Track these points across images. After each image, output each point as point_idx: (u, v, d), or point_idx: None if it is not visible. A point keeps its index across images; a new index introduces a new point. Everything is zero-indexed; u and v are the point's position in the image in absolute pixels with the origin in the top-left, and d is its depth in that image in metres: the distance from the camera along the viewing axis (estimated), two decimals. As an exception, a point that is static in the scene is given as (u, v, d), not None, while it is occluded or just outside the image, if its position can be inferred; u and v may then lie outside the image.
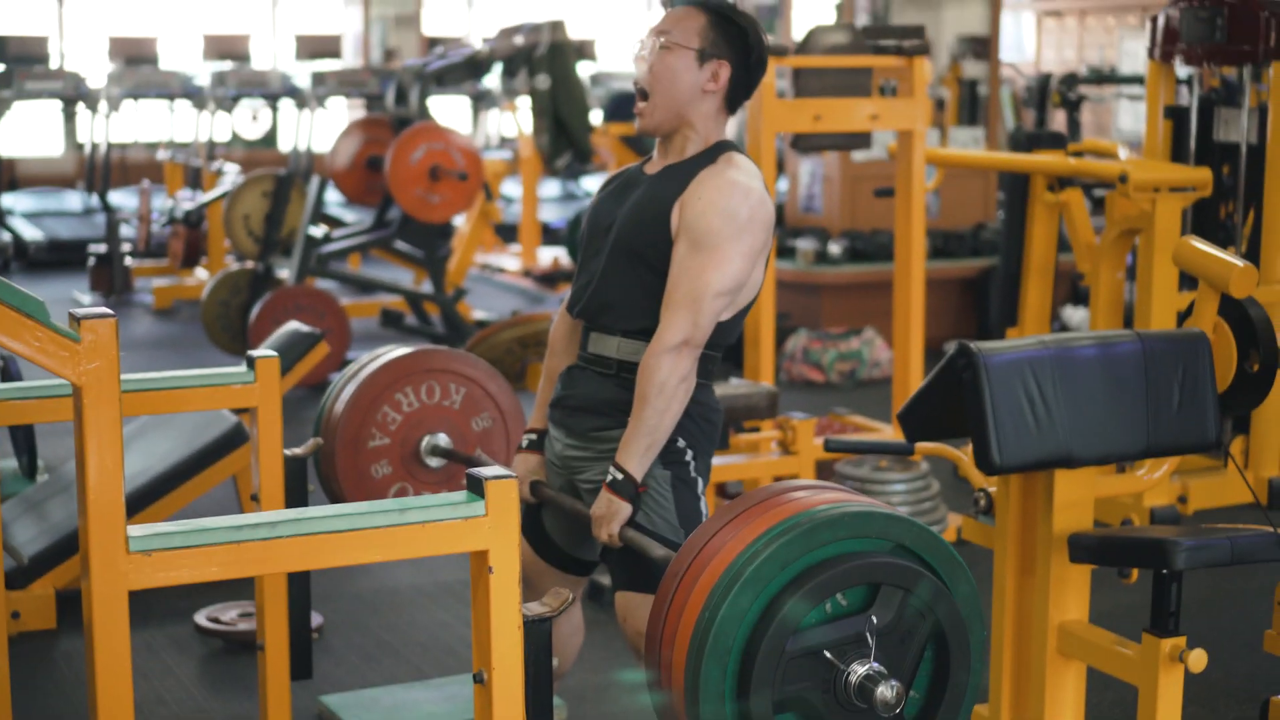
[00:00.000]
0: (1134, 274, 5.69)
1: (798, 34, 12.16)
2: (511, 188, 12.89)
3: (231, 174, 9.62)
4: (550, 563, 3.23)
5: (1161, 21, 5.68)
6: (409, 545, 2.40)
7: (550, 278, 10.52)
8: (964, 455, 4.72)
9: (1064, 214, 6.03)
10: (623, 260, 3.02)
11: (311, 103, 9.41)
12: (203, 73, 11.92)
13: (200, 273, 10.18)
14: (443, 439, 3.53)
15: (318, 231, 7.99)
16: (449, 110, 14.36)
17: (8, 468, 5.62)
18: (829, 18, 13.99)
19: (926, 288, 5.82)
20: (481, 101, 13.45)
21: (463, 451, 3.57)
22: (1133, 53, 12.40)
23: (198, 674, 4.31)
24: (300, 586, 3.47)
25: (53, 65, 12.92)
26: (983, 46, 12.25)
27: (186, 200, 10.14)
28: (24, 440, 5.40)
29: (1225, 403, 3.30)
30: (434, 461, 3.56)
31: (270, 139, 14.31)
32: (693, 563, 2.49)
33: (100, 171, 12.28)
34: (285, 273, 8.18)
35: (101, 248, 10.12)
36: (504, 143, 14.52)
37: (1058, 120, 10.65)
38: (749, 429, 5.44)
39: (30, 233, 11.75)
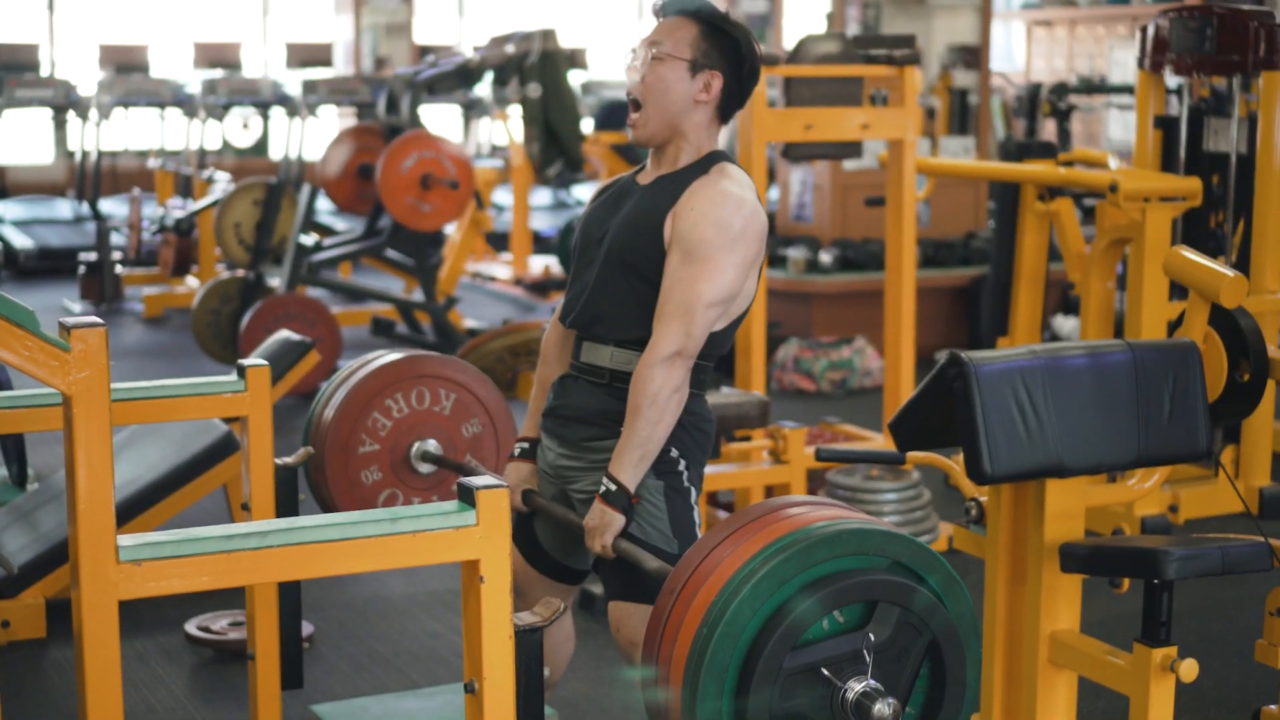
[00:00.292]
0: (1124, 283, 5.69)
1: (789, 43, 12.19)
2: (503, 196, 12.89)
3: (222, 182, 9.61)
4: (542, 571, 3.23)
5: (1151, 31, 5.69)
6: (400, 555, 2.39)
7: (541, 286, 10.52)
8: (955, 464, 4.72)
9: (1054, 223, 6.05)
10: (615, 271, 3.02)
11: (302, 111, 9.41)
12: (194, 81, 11.93)
13: (191, 281, 10.17)
14: (433, 445, 3.53)
15: (308, 240, 7.99)
16: (440, 118, 14.37)
17: (-3, 476, 5.61)
18: (820, 27, 14.02)
19: (917, 297, 5.82)
20: (473, 110, 13.46)
21: (453, 458, 3.57)
22: (1122, 62, 12.44)
23: (188, 683, 4.31)
24: (291, 595, 3.47)
25: (43, 73, 12.92)
26: (973, 56, 12.28)
27: (177, 208, 10.13)
28: (14, 449, 5.40)
29: (1216, 412, 3.30)
30: (424, 467, 3.56)
31: (261, 147, 14.30)
32: (690, 578, 2.49)
33: (91, 179, 12.27)
34: (276, 281, 8.17)
35: (92, 256, 10.12)
36: (495, 151, 14.53)
37: (1048, 130, 10.68)
38: (740, 438, 5.44)
39: (21, 241, 11.73)
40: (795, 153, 5.60)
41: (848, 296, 8.47)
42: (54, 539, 4.68)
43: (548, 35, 7.98)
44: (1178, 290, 5.59)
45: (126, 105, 11.59)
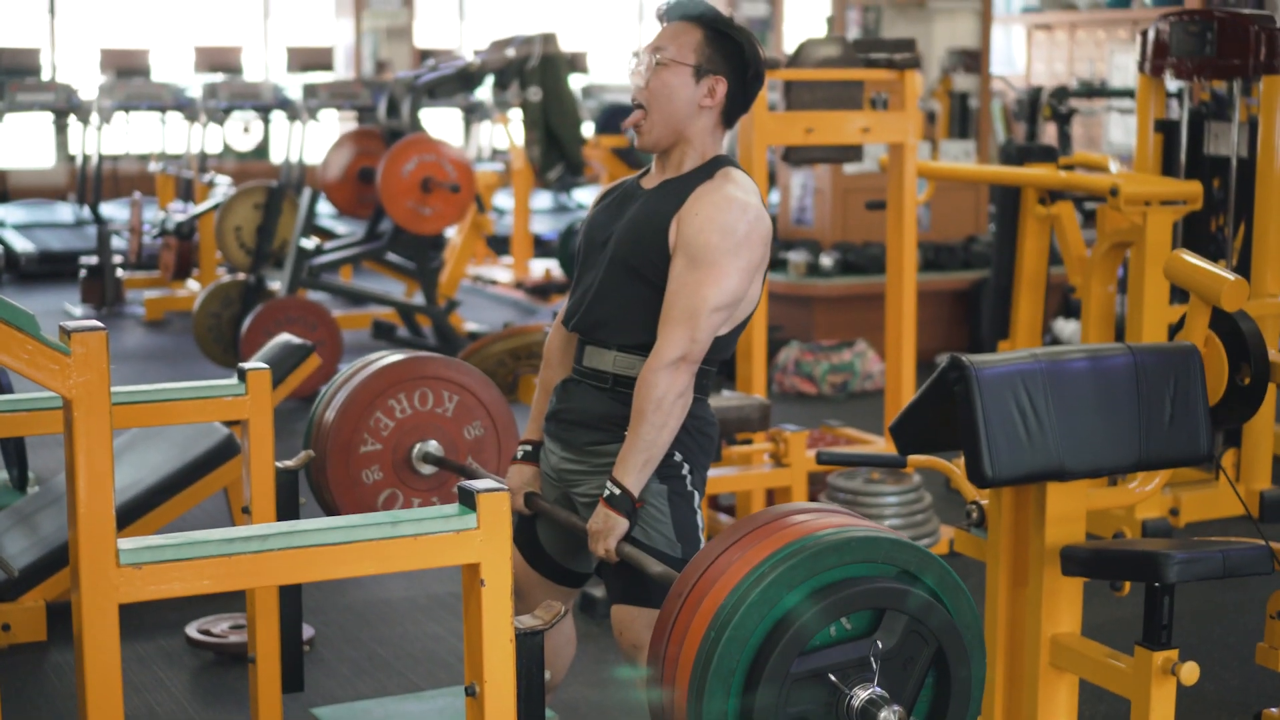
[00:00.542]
0: (1125, 287, 5.69)
1: (789, 47, 12.19)
2: (503, 200, 12.89)
3: (223, 186, 9.61)
4: (543, 574, 3.23)
5: (1152, 35, 5.70)
6: (401, 558, 2.39)
7: (542, 290, 10.52)
8: (956, 468, 4.72)
9: (1055, 227, 6.05)
10: (619, 275, 3.02)
11: (303, 115, 9.41)
12: (194, 85, 11.93)
13: (192, 284, 10.17)
14: (434, 446, 3.54)
15: (309, 243, 7.99)
16: (441, 122, 14.38)
17: (-2, 480, 5.62)
18: (820, 31, 14.03)
19: (918, 300, 5.82)
20: (473, 114, 13.47)
21: (454, 460, 3.57)
22: (1123, 66, 12.44)
23: (189, 686, 4.30)
24: (291, 599, 3.47)
25: (44, 77, 12.93)
26: (973, 60, 12.29)
27: (178, 212, 10.13)
28: (15, 452, 5.40)
29: (1216, 416, 3.30)
30: (425, 469, 3.56)
31: (262, 151, 14.31)
32: (698, 582, 2.48)
33: (92, 183, 12.27)
34: (277, 285, 8.17)
35: (93, 260, 10.12)
36: (496, 155, 14.53)
37: (1048, 133, 10.68)
38: (741, 441, 5.44)
39: (21, 244, 11.74)
40: (796, 156, 5.60)
41: (849, 300, 8.47)
42: (54, 542, 4.68)
43: (548, 39, 7.98)
44: (1178, 294, 5.60)
45: (127, 109, 11.60)
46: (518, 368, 7.15)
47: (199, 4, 15.75)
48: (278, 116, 11.37)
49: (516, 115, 10.37)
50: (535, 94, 7.91)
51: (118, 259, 10.26)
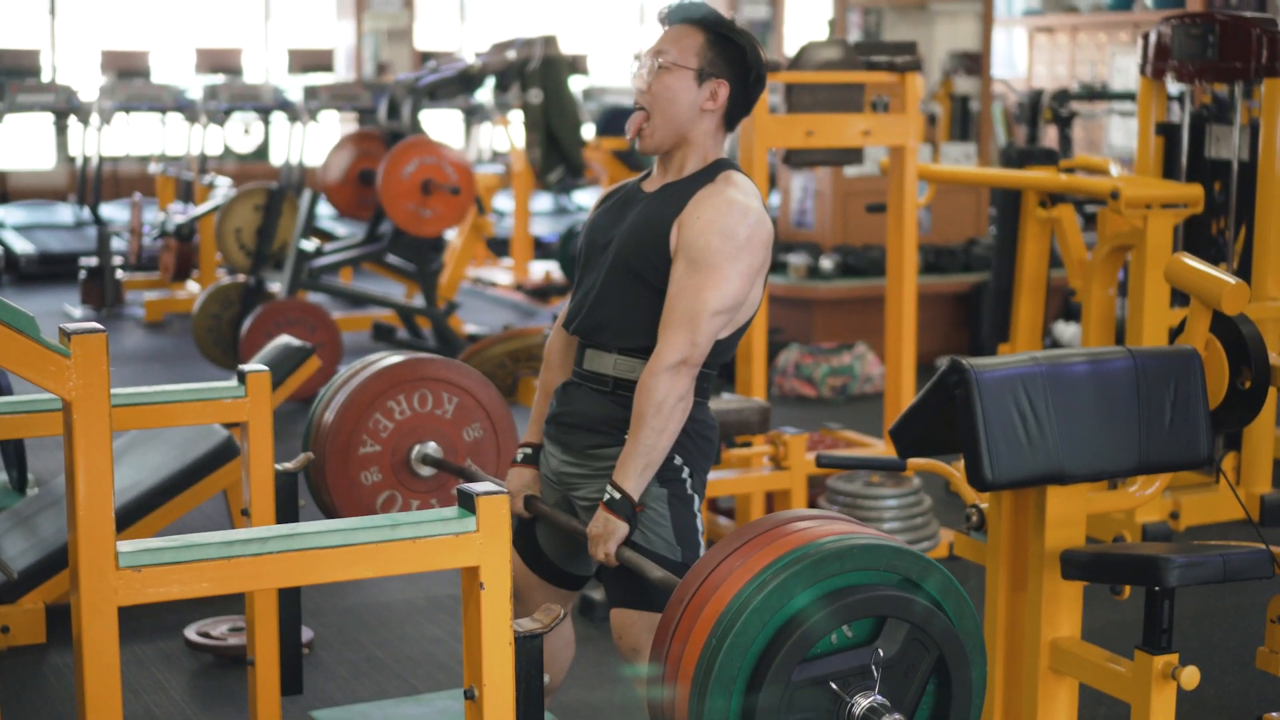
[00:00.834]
0: (1125, 290, 5.69)
1: (790, 49, 12.19)
2: (504, 202, 12.89)
3: (223, 187, 9.61)
4: (542, 576, 3.23)
5: (1153, 38, 5.69)
6: (400, 561, 2.39)
7: (542, 292, 10.52)
8: (956, 471, 4.72)
9: (1056, 230, 6.04)
10: (620, 278, 3.02)
11: (303, 116, 9.41)
12: (195, 86, 11.93)
13: (191, 286, 10.17)
14: (433, 448, 3.53)
15: (309, 245, 7.99)
16: (441, 124, 14.38)
17: (-3, 481, 5.61)
18: (821, 34, 14.03)
19: (918, 303, 5.82)
20: (474, 116, 13.46)
21: (453, 461, 3.56)
22: (1124, 69, 12.44)
23: (188, 689, 4.30)
24: (291, 601, 3.47)
25: (45, 78, 12.93)
26: (974, 62, 12.29)
27: (178, 213, 10.13)
28: (14, 454, 5.40)
29: (1217, 419, 3.30)
30: (424, 470, 3.56)
31: (262, 152, 14.31)
32: (700, 588, 2.48)
33: (92, 184, 12.27)
34: (277, 286, 8.17)
35: (93, 261, 10.12)
36: (496, 157, 14.53)
37: (1049, 136, 10.68)
38: (741, 444, 5.44)
39: (21, 246, 11.74)
40: (796, 159, 5.60)
41: (849, 303, 8.47)
42: (54, 544, 4.67)
43: (549, 41, 7.98)
44: (1179, 297, 5.59)
45: (128, 110, 11.60)
46: (517, 370, 7.14)
47: (199, 5, 15.75)
48: (278, 118, 11.37)
49: (517, 117, 10.37)
50: (536, 96, 7.91)
51: (118, 260, 10.26)
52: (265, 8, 15.46)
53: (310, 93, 9.85)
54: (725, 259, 2.91)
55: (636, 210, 3.06)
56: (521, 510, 3.18)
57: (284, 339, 5.16)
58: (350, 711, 4.01)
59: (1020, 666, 3.19)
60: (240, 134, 13.39)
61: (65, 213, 12.94)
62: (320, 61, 14.63)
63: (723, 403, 5.01)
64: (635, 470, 2.92)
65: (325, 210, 11.20)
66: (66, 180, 14.02)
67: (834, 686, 2.40)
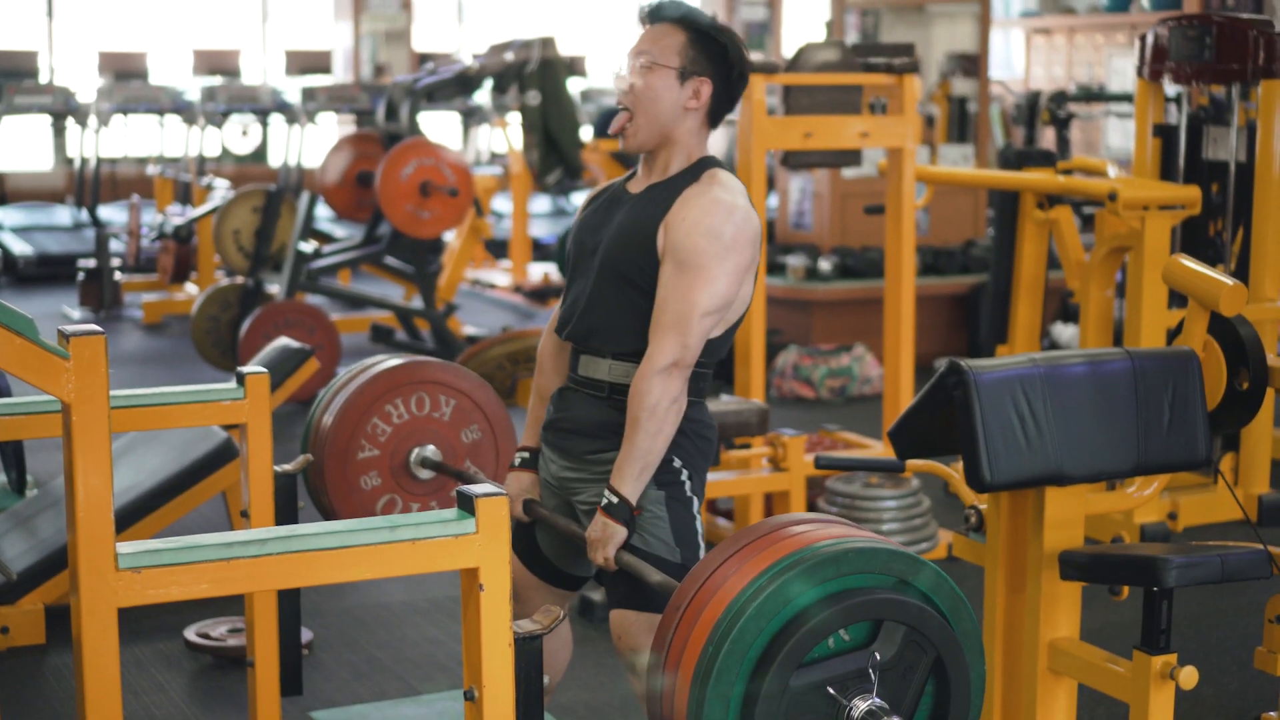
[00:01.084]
0: (1123, 291, 5.70)
1: (788, 51, 12.19)
2: (502, 203, 12.90)
3: (221, 189, 9.61)
4: (540, 577, 3.23)
5: (1150, 40, 5.70)
6: (400, 562, 2.39)
7: (541, 293, 10.52)
8: (955, 472, 4.73)
9: (1054, 231, 6.05)
10: (610, 283, 3.02)
11: (302, 118, 9.42)
12: (193, 88, 11.92)
13: (190, 288, 10.17)
14: (432, 451, 3.53)
15: (308, 247, 7.99)
16: (439, 126, 14.38)
17: (-4, 483, 5.61)
18: (819, 35, 14.03)
19: (917, 304, 5.82)
20: (472, 117, 13.46)
21: (452, 464, 3.56)
22: (1121, 71, 12.45)
23: (187, 690, 4.30)
24: (290, 602, 3.47)
25: (42, 80, 12.93)
26: (972, 64, 12.29)
27: (176, 215, 10.13)
28: (13, 455, 5.40)
29: (1215, 420, 3.30)
30: (423, 474, 3.56)
31: (260, 154, 14.31)
32: (696, 594, 2.48)
33: (90, 186, 12.27)
34: (275, 288, 8.18)
35: (91, 263, 10.11)
36: (494, 158, 14.53)
37: (1047, 138, 10.68)
38: (740, 445, 5.44)
39: (19, 247, 11.73)
40: (794, 161, 5.60)
41: (847, 304, 8.47)
42: (53, 545, 4.67)
43: (547, 43, 7.98)
44: (1177, 298, 5.60)
45: (126, 112, 11.60)
46: (516, 371, 7.15)
47: (197, 7, 15.75)
48: (276, 120, 11.37)
49: (515, 119, 10.37)
50: (534, 98, 7.91)
51: (116, 262, 10.26)
52: (263, 9, 15.46)
53: (308, 94, 9.85)
54: (713, 259, 2.91)
55: (622, 213, 3.06)
56: (520, 514, 3.18)
57: (282, 341, 5.16)
58: (350, 712, 4.01)
59: (1019, 667, 3.19)
60: (238, 136, 13.39)
61: (63, 214, 12.94)
62: (318, 63, 14.63)
63: (721, 404, 5.02)
64: (632, 474, 2.93)
65: (323, 212, 11.20)
66: (65, 182, 14.01)
67: (832, 691, 2.40)
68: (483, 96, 11.42)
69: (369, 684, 4.34)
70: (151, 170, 11.46)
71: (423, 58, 14.39)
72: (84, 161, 12.34)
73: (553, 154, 8.06)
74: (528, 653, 2.47)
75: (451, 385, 3.55)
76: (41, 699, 4.23)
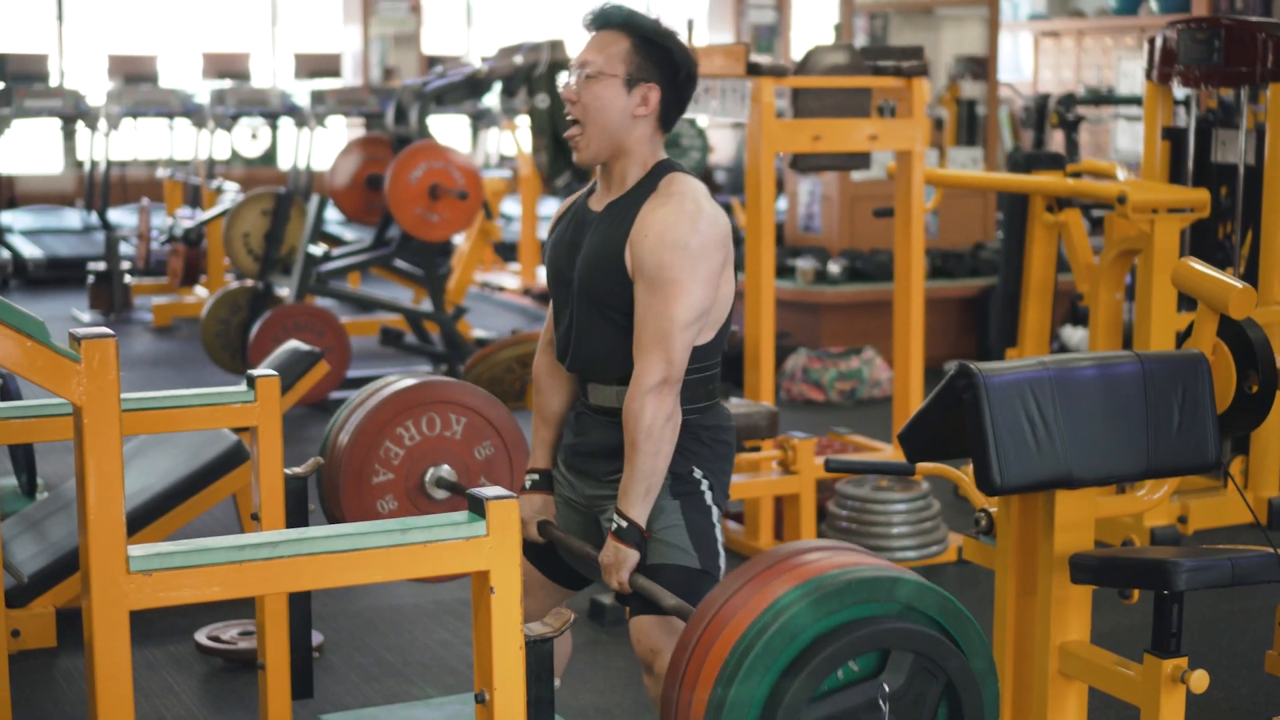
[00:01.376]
0: (1133, 294, 5.69)
1: (796, 54, 12.18)
2: (511, 206, 12.91)
3: (231, 192, 9.63)
4: (548, 575, 3.24)
5: (1159, 43, 5.70)
6: (410, 565, 2.40)
7: (549, 296, 10.51)
8: (965, 475, 4.73)
9: (1063, 234, 6.04)
10: (592, 312, 3.02)
11: (311, 121, 9.43)
12: (202, 91, 11.94)
13: (200, 291, 10.19)
14: (446, 470, 3.52)
15: (317, 250, 8.00)
16: (448, 129, 14.38)
17: (7, 486, 5.62)
18: (828, 38, 14.03)
19: (926, 307, 5.82)
20: (481, 120, 13.46)
21: (466, 481, 3.56)
22: (1130, 73, 12.44)
23: (198, 692, 4.31)
24: (301, 605, 3.47)
25: (52, 83, 12.94)
26: (981, 67, 12.28)
27: (186, 218, 10.15)
28: (23, 459, 5.41)
29: (1225, 424, 3.30)
30: (439, 494, 3.55)
31: (270, 157, 14.32)
32: (702, 635, 2.47)
33: (100, 189, 12.29)
34: (285, 291, 8.19)
35: (101, 266, 10.13)
36: (503, 161, 14.55)
37: (1056, 140, 10.67)
38: (749, 448, 5.44)
39: (29, 250, 11.76)
40: (803, 164, 5.60)
41: (856, 307, 8.47)
42: (64, 548, 4.68)
43: (556, 46, 7.98)
44: (1186, 301, 5.59)
45: (135, 115, 11.61)
46: (525, 374, 7.15)
47: (207, 10, 15.78)
48: (286, 123, 11.38)
49: (524, 122, 10.37)
50: (543, 101, 7.91)
51: (126, 265, 10.27)
52: (272, 13, 15.48)
53: (317, 98, 9.86)
54: (683, 271, 2.88)
55: (588, 237, 3.03)
56: (535, 536, 3.19)
57: (292, 344, 5.17)
58: (360, 715, 4.01)
59: (1029, 670, 3.19)
60: (248, 139, 13.42)
61: (73, 218, 12.96)
62: (327, 66, 14.64)
63: (731, 407, 5.02)
64: (638, 496, 2.93)
65: (333, 215, 11.21)
66: (74, 185, 14.04)
67: None
68: (492, 99, 11.40)
69: (379, 687, 4.34)
70: (161, 173, 11.47)
71: (432, 61, 14.39)
72: (94, 165, 12.36)
73: (561, 157, 8.06)
74: (538, 656, 2.48)
75: (461, 403, 3.54)
76: (52, 702, 4.24)
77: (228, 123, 11.13)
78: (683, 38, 3.06)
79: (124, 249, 11.07)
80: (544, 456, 3.24)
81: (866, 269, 8.56)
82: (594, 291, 3.00)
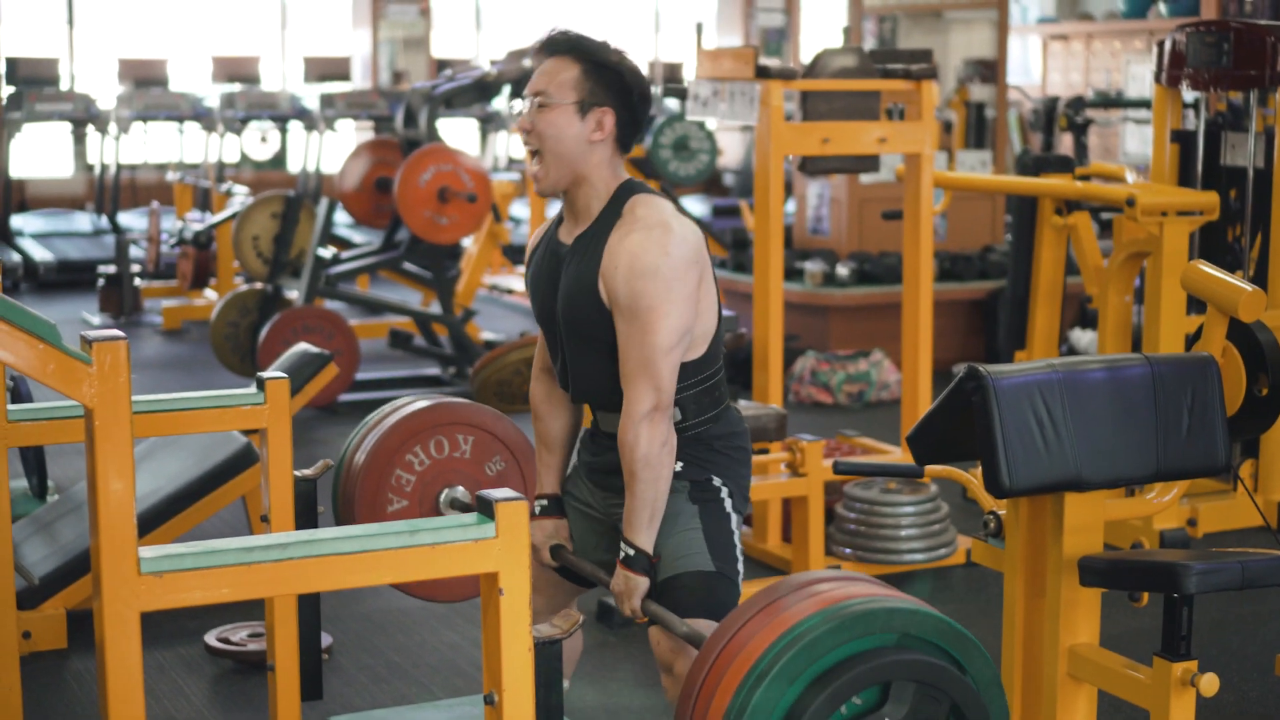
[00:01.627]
0: (1142, 297, 5.69)
1: (806, 57, 12.16)
2: (520, 209, 12.91)
3: (240, 195, 9.65)
4: (559, 571, 3.26)
5: (1168, 46, 5.69)
6: (420, 567, 2.40)
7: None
8: (973, 478, 4.72)
9: (1072, 237, 6.04)
10: (583, 346, 3.03)
11: (320, 124, 9.44)
12: (212, 94, 11.97)
13: (209, 294, 10.20)
14: (460, 491, 3.52)
15: (326, 253, 8.02)
16: (457, 132, 14.40)
17: (18, 488, 5.64)
18: (837, 41, 14.03)
19: (934, 310, 5.82)
20: (490, 123, 13.49)
21: None
22: (1139, 76, 12.42)
23: (208, 694, 4.32)
24: (310, 607, 3.48)
25: (63, 87, 12.98)
26: (990, 70, 12.29)
27: (196, 221, 10.17)
28: (34, 461, 5.42)
29: (1234, 427, 3.30)
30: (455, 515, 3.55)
31: (279, 160, 14.35)
32: (704, 682, 2.46)
33: (110, 193, 12.32)
34: (294, 294, 8.21)
35: (111, 269, 10.15)
36: (512, 164, 14.56)
37: (1065, 143, 10.67)
38: (758, 450, 5.44)
39: (40, 254, 11.79)
40: (812, 166, 5.60)
41: (865, 309, 8.47)
42: (74, 550, 4.69)
43: (565, 49, 7.98)
44: (1195, 304, 5.59)
45: (145, 119, 11.64)
46: (534, 377, 7.15)
47: (217, 14, 15.81)
48: (295, 126, 11.41)
49: (533, 125, 10.36)
50: (552, 104, 7.92)
51: (136, 268, 10.30)
52: (282, 16, 15.51)
53: (327, 101, 9.87)
54: (658, 298, 2.88)
55: (564, 272, 3.03)
56: (549, 560, 3.20)
57: (302, 346, 5.18)
58: (369, 717, 4.01)
59: (1038, 673, 3.19)
60: (257, 142, 13.43)
61: (83, 221, 12.99)
62: (337, 70, 14.66)
63: (739, 409, 5.01)
64: (643, 524, 2.95)
65: (342, 218, 11.22)
66: (85, 188, 14.07)
67: None
68: (501, 102, 11.43)
69: (388, 689, 4.35)
70: (171, 177, 11.50)
71: (441, 64, 14.41)
72: (104, 168, 12.39)
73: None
74: (547, 657, 2.48)
75: (467, 421, 3.54)
76: (63, 703, 4.25)
77: (237, 126, 11.15)
78: (633, 57, 3.04)
79: (134, 252, 11.10)
80: (551, 481, 3.25)
81: (875, 272, 8.56)
82: (579, 327, 3.01)
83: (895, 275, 8.34)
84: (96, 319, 10.10)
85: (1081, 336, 8.37)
